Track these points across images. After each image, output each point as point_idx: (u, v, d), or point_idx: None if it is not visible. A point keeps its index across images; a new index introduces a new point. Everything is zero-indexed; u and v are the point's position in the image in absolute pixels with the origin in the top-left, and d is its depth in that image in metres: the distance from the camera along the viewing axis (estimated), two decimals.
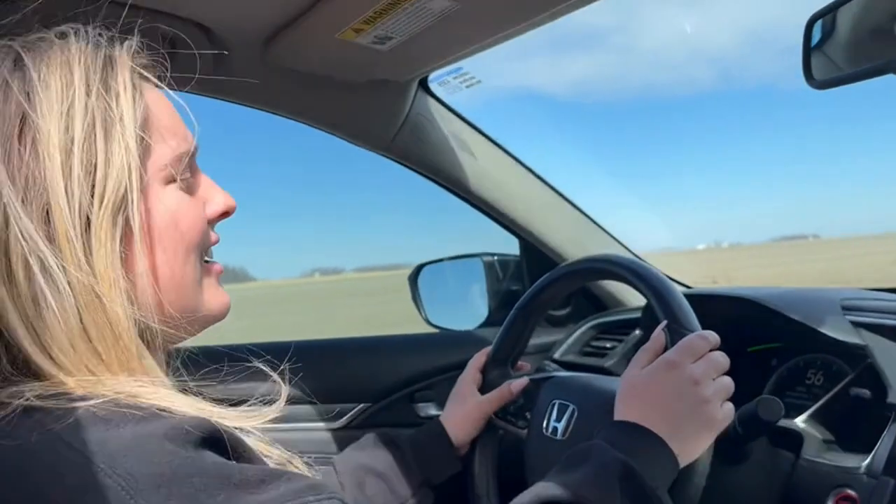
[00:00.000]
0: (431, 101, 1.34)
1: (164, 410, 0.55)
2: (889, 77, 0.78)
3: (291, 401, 1.39)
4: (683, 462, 0.80)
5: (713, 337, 0.87)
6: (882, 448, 0.90)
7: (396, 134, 1.30)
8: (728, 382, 0.85)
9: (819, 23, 0.88)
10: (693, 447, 0.81)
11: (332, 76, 1.16)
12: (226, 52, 1.04)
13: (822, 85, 0.86)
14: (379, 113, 1.27)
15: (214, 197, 0.70)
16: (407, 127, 1.30)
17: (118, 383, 0.56)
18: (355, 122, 1.29)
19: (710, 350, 0.86)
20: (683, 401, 0.81)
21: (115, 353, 0.58)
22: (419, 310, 1.74)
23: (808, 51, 0.86)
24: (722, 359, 0.86)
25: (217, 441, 0.55)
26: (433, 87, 1.32)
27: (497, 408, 1.12)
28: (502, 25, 0.97)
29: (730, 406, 0.84)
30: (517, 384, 1.12)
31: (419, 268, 1.77)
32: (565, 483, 0.74)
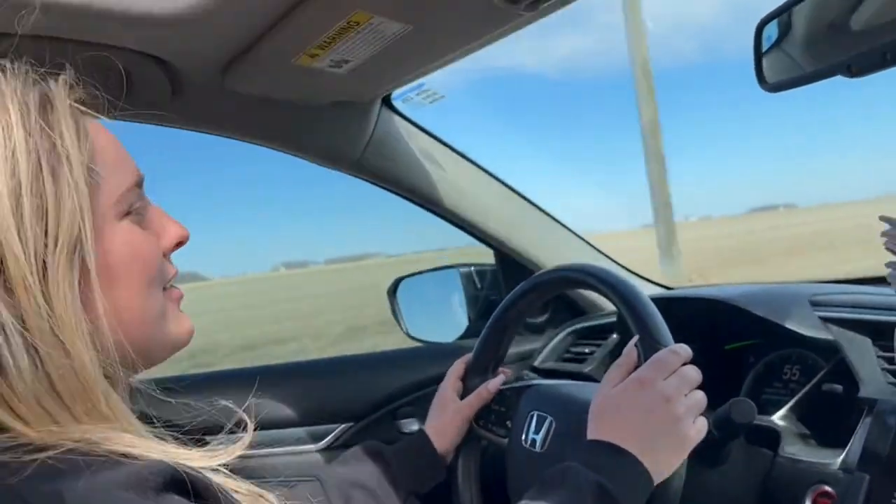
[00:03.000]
0: (396, 118, 1.33)
1: (125, 456, 0.55)
2: None
3: (272, 425, 1.40)
4: (657, 479, 0.80)
5: (684, 351, 0.88)
6: (856, 443, 0.91)
7: (363, 153, 1.30)
8: (700, 397, 0.86)
9: (773, 24, 0.89)
10: (667, 464, 0.81)
11: (292, 100, 1.15)
12: (181, 83, 1.03)
13: (775, 87, 0.86)
14: (343, 133, 1.26)
15: (167, 228, 0.69)
16: (373, 146, 1.30)
17: (78, 431, 0.56)
18: (320, 143, 1.28)
19: (683, 364, 0.86)
20: (656, 419, 0.81)
21: (80, 395, 0.57)
22: (399, 323, 1.74)
23: (759, 54, 0.86)
24: (694, 373, 0.86)
25: (179, 484, 0.54)
26: (397, 104, 1.32)
27: (476, 410, 1.13)
28: (457, 44, 0.97)
29: (703, 421, 0.85)
30: (493, 383, 1.13)
31: (397, 281, 1.77)
32: None
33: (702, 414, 0.86)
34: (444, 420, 1.12)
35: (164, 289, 0.68)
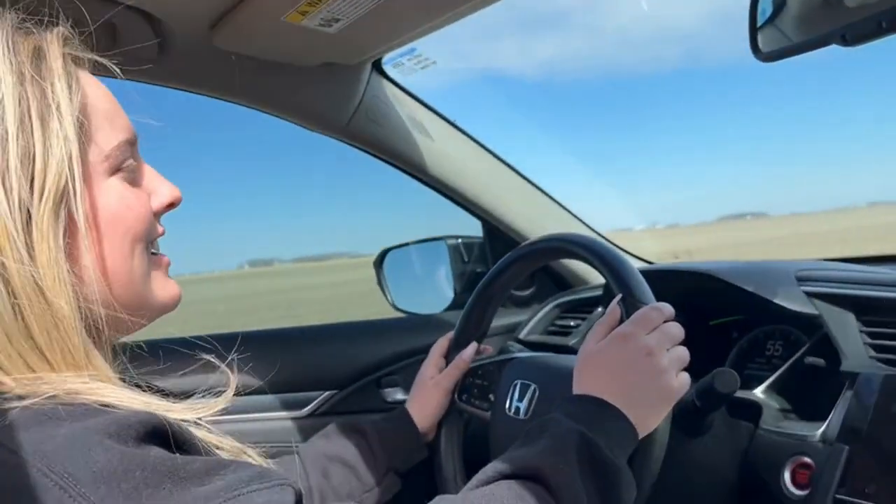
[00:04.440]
0: (386, 83, 1.32)
1: (106, 406, 0.54)
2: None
3: (255, 390, 1.39)
4: (642, 432, 0.81)
5: (667, 308, 0.88)
6: (836, 415, 0.92)
7: (352, 117, 1.28)
8: (683, 352, 0.86)
9: None
10: (651, 417, 0.82)
11: (281, 60, 1.14)
12: (169, 39, 1.02)
13: (768, 57, 0.86)
14: (332, 96, 1.25)
15: (160, 188, 0.68)
16: (362, 110, 1.29)
17: (59, 381, 0.55)
18: (308, 106, 1.27)
19: (665, 321, 0.86)
20: (639, 372, 0.82)
21: (60, 348, 0.56)
22: (385, 294, 1.74)
23: (754, 25, 0.86)
24: (676, 329, 0.86)
25: (161, 434, 0.54)
26: (387, 69, 1.31)
27: (454, 381, 1.13)
28: (450, 4, 0.96)
29: (685, 376, 0.85)
30: (468, 352, 1.13)
31: (384, 252, 1.76)
32: (522, 456, 0.74)
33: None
34: (424, 395, 1.12)
35: (153, 254, 0.68)
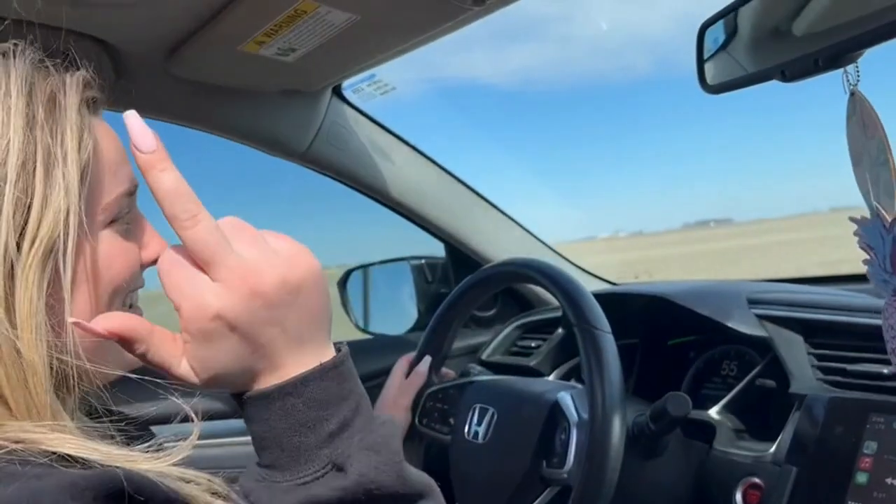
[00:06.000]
0: (347, 108, 1.33)
1: (67, 458, 0.53)
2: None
3: (215, 416, 1.38)
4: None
5: None
6: (785, 437, 0.94)
7: (312, 143, 1.29)
8: None
9: (718, 26, 0.90)
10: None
11: (239, 87, 1.14)
12: (126, 67, 1.01)
13: (716, 89, 0.88)
14: (292, 122, 1.25)
15: (151, 243, 0.65)
16: (322, 135, 1.29)
17: (20, 429, 0.53)
18: (268, 132, 1.27)
19: None
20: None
21: (25, 402, 0.54)
22: (349, 315, 1.74)
23: (701, 57, 0.88)
24: None
25: (116, 493, 0.52)
26: (347, 94, 1.32)
27: (412, 397, 1.14)
28: (405, 36, 0.97)
29: None
30: (422, 366, 1.15)
31: (347, 273, 1.76)
32: None
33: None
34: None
35: (130, 306, 0.65)
